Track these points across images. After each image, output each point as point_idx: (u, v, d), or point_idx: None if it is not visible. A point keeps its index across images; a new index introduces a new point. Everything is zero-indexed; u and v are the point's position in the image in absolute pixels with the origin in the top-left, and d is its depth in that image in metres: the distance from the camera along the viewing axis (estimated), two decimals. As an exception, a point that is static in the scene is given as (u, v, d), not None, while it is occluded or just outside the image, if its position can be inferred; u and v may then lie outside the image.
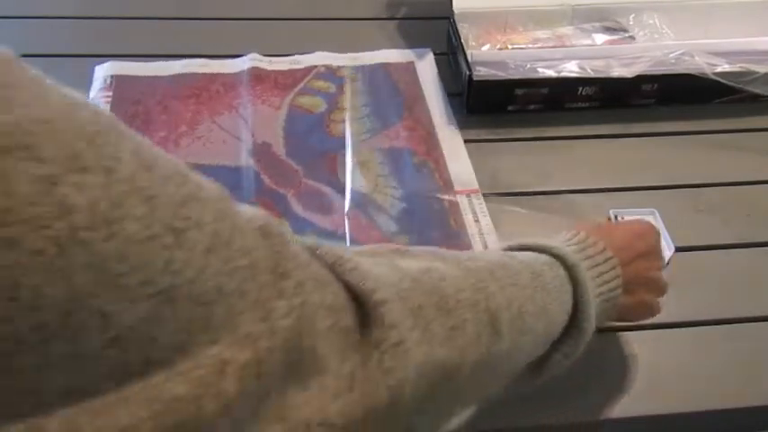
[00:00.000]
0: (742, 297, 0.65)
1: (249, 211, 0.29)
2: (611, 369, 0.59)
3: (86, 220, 0.21)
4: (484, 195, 0.73)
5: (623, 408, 0.57)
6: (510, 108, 0.81)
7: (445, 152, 0.77)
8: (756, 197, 0.75)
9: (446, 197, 0.72)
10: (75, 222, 0.20)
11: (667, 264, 0.67)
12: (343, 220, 0.69)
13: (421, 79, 0.87)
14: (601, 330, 0.61)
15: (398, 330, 0.31)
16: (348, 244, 0.67)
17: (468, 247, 0.67)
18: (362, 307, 0.31)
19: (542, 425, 0.56)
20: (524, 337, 0.43)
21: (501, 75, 0.79)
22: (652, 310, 0.56)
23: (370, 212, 0.70)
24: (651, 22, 0.89)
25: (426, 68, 0.88)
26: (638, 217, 0.65)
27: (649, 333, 0.62)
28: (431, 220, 0.70)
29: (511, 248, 0.51)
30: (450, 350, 0.35)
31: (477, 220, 0.70)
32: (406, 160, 0.76)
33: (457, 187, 0.73)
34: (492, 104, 0.82)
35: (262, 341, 0.25)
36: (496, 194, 0.73)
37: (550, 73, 0.79)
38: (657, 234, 0.57)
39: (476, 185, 0.73)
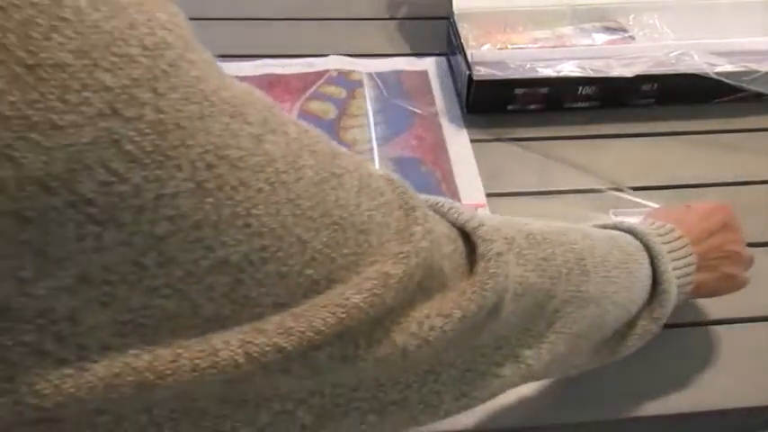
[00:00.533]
0: (742, 297, 0.65)
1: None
2: (610, 369, 0.59)
3: (283, 166, 0.27)
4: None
5: (624, 408, 0.57)
6: (510, 108, 0.81)
7: (453, 164, 0.76)
8: (756, 197, 0.75)
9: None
10: (277, 168, 0.26)
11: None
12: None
13: (434, 89, 0.86)
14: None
15: (498, 244, 0.36)
16: None
17: None
18: (465, 237, 0.36)
19: (544, 425, 0.56)
20: (610, 286, 0.44)
21: (501, 75, 0.79)
22: (737, 282, 0.57)
23: None
24: (651, 22, 0.89)
25: (440, 78, 0.88)
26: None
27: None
28: None
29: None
30: (541, 277, 0.39)
31: None
32: (415, 169, 0.75)
33: (464, 200, 0.72)
34: (492, 104, 0.81)
35: (410, 258, 0.30)
36: (496, 195, 0.73)
37: (550, 73, 0.79)
38: (729, 210, 0.58)
39: (483, 200, 0.72)
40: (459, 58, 0.82)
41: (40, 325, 0.22)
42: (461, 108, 0.83)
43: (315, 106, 0.82)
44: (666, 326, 0.62)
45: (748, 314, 0.64)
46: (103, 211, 0.21)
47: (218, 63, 0.26)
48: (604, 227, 0.51)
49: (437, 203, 0.38)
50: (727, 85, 0.80)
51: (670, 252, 0.51)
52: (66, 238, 0.21)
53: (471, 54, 0.80)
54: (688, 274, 0.52)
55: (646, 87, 0.81)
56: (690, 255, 0.52)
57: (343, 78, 0.86)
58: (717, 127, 0.82)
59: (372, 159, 0.76)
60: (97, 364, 0.23)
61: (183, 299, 0.24)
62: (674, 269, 0.51)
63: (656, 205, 0.72)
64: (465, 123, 0.81)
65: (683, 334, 0.62)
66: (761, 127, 0.83)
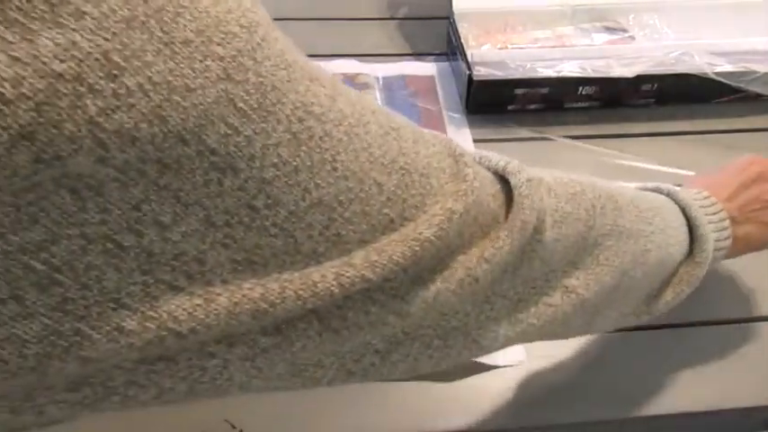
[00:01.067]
0: (741, 297, 0.65)
1: None
2: (610, 369, 0.59)
3: (354, 121, 0.31)
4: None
5: (623, 408, 0.57)
6: (510, 108, 0.81)
7: None
8: (756, 197, 0.75)
9: None
10: (350, 122, 0.31)
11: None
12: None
13: (440, 95, 0.85)
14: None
15: (526, 173, 0.39)
16: None
17: None
18: (501, 179, 0.39)
19: (544, 425, 0.56)
20: (645, 225, 0.47)
21: (501, 75, 0.79)
22: None
23: None
24: (651, 22, 0.89)
25: (444, 81, 0.87)
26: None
27: (649, 333, 0.62)
28: None
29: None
30: (576, 209, 0.41)
31: None
32: None
33: None
34: (492, 104, 0.82)
35: (468, 196, 0.34)
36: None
37: (550, 73, 0.79)
38: (764, 161, 0.59)
39: None
40: (460, 58, 0.82)
41: (174, 266, 0.26)
42: (463, 108, 0.83)
43: None
44: (666, 326, 0.62)
45: (748, 314, 0.64)
46: (224, 160, 0.25)
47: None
48: (642, 188, 0.53)
49: (473, 154, 0.40)
50: (727, 85, 0.80)
51: (701, 207, 0.53)
52: (196, 183, 0.25)
53: (471, 54, 0.80)
54: (724, 228, 0.54)
55: (646, 87, 0.81)
56: (721, 211, 0.54)
57: (349, 82, 0.86)
58: (717, 127, 0.83)
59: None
60: (221, 297, 0.27)
61: (288, 237, 0.28)
62: (709, 222, 0.52)
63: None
64: (467, 124, 0.81)
65: (683, 334, 0.62)
66: (761, 127, 0.83)
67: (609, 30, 0.89)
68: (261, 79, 0.27)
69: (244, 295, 0.27)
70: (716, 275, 0.67)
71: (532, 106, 0.81)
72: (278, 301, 0.28)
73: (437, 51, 0.91)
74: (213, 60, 0.25)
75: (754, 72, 0.80)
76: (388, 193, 0.31)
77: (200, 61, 0.24)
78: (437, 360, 0.37)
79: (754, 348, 0.62)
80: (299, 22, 0.96)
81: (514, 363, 0.59)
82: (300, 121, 0.28)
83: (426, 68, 0.89)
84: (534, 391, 0.58)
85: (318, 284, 0.29)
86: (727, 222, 0.54)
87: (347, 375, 0.34)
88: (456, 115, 0.82)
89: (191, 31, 0.24)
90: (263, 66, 0.27)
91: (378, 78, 0.87)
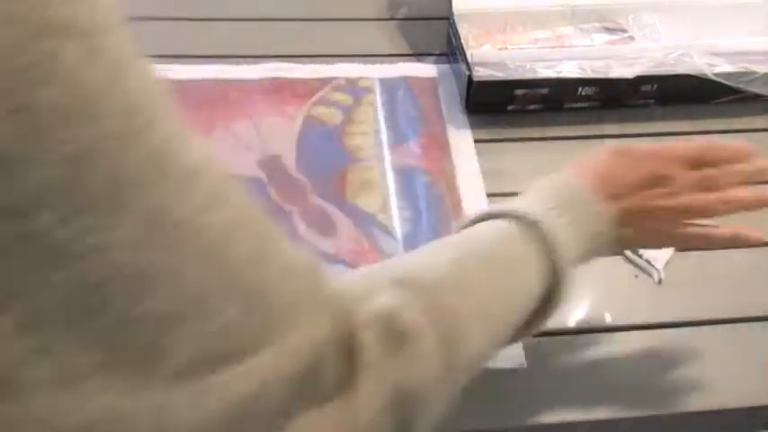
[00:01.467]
0: (742, 297, 0.65)
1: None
2: (610, 369, 0.59)
3: (221, 237, 0.28)
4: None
5: (623, 408, 0.57)
6: (510, 108, 0.81)
7: (458, 174, 0.75)
8: (756, 197, 0.75)
9: (455, 222, 0.70)
10: (213, 238, 0.28)
11: (666, 264, 0.67)
12: (344, 245, 0.68)
13: (442, 97, 0.85)
14: (604, 330, 0.62)
15: (373, 350, 0.35)
16: (348, 269, 0.66)
17: None
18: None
19: (545, 424, 0.56)
20: (495, 328, 0.44)
21: (501, 75, 0.79)
22: (676, 237, 0.55)
23: (374, 233, 0.69)
24: (651, 22, 0.89)
25: (445, 82, 0.87)
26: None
27: (649, 333, 0.62)
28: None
29: (474, 221, 0.50)
30: (412, 378, 0.37)
31: None
32: (418, 180, 0.74)
33: (467, 211, 0.71)
34: (492, 104, 0.81)
35: (301, 358, 0.31)
36: (497, 195, 0.73)
37: (550, 73, 0.79)
38: (662, 157, 0.54)
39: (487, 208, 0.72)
40: (460, 58, 0.82)
41: None
42: (463, 109, 0.83)
43: (321, 112, 0.82)
44: (667, 326, 0.62)
45: (748, 314, 0.64)
46: (52, 249, 0.23)
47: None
48: (491, 215, 0.49)
49: (342, 289, 0.37)
50: (727, 85, 0.80)
51: (571, 223, 0.48)
52: (19, 270, 0.22)
53: (471, 54, 0.80)
54: (599, 234, 0.50)
55: (646, 88, 0.81)
56: (596, 212, 0.50)
57: (350, 86, 0.86)
58: (717, 127, 0.83)
59: (379, 167, 0.76)
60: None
61: (110, 345, 0.25)
62: (575, 237, 0.48)
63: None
64: (467, 124, 0.81)
65: (683, 334, 0.62)
66: (761, 127, 0.83)
67: (608, 30, 0.89)
68: (119, 172, 0.24)
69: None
70: (710, 275, 0.67)
71: (532, 107, 0.81)
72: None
73: (437, 52, 0.91)
74: (68, 138, 0.22)
75: (754, 72, 0.80)
76: (229, 321, 0.28)
77: (53, 136, 0.22)
78: None
79: (755, 348, 0.61)
80: (300, 22, 0.96)
81: (515, 365, 0.59)
82: (155, 224, 0.25)
83: (426, 69, 0.89)
84: (534, 390, 0.58)
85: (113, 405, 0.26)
86: (603, 227, 0.50)
87: None
88: (456, 116, 0.82)
89: (54, 99, 0.21)
90: (129, 156, 0.24)
91: (379, 81, 0.87)
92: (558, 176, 0.53)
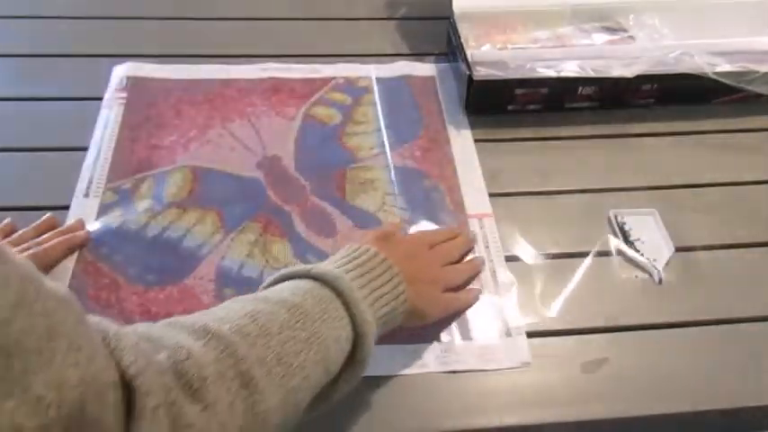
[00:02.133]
0: (742, 297, 0.65)
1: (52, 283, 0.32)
2: (609, 369, 0.59)
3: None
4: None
5: (623, 408, 0.57)
6: (510, 108, 0.81)
7: (459, 175, 0.75)
8: (756, 197, 0.75)
9: (456, 222, 0.70)
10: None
11: (666, 264, 0.67)
12: (344, 245, 0.68)
13: (442, 97, 0.85)
14: (604, 330, 0.62)
15: (155, 396, 0.34)
16: None
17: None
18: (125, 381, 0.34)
19: (545, 424, 0.56)
20: (294, 378, 0.43)
21: (501, 74, 0.79)
22: (440, 304, 0.60)
23: None
24: (651, 22, 0.89)
25: (445, 81, 0.87)
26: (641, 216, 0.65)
27: (650, 333, 0.62)
28: None
29: (273, 282, 0.51)
30: (207, 423, 0.37)
31: (487, 246, 0.68)
32: (418, 180, 0.74)
33: (469, 211, 0.71)
34: (492, 104, 0.82)
35: (51, 409, 0.28)
36: (497, 195, 0.73)
37: (550, 73, 0.79)
38: (418, 238, 0.64)
39: (489, 209, 0.72)
40: (459, 58, 0.82)
41: None
42: (463, 109, 0.83)
43: (320, 112, 0.82)
44: (667, 326, 0.62)
45: (748, 314, 0.64)
46: None
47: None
48: (291, 276, 0.50)
49: (105, 336, 0.35)
50: (727, 85, 0.80)
51: (370, 282, 0.51)
52: None
53: (471, 54, 0.80)
54: (398, 304, 0.53)
55: (646, 87, 0.81)
56: (399, 285, 0.54)
57: (349, 86, 0.86)
58: (717, 127, 0.83)
59: (379, 167, 0.76)
60: None
61: None
62: (375, 299, 0.51)
63: (656, 206, 0.72)
64: (467, 124, 0.81)
65: (682, 334, 0.62)
66: (761, 127, 0.83)
67: (609, 30, 0.89)
68: None
69: None
70: (710, 275, 0.67)
71: (532, 106, 0.81)
72: None
73: (437, 51, 0.91)
74: None
75: (754, 72, 0.80)
76: None
77: None
78: None
79: (755, 348, 0.61)
80: (300, 21, 0.96)
81: (520, 365, 0.59)
82: None
83: (426, 69, 0.89)
84: (536, 390, 0.58)
85: None
86: (399, 280, 0.54)
87: None
88: (456, 116, 0.82)
89: None
90: None
91: (377, 80, 0.87)
92: (350, 245, 0.56)
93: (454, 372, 0.58)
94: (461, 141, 0.79)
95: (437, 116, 0.82)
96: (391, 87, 0.86)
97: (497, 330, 0.61)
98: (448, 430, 0.56)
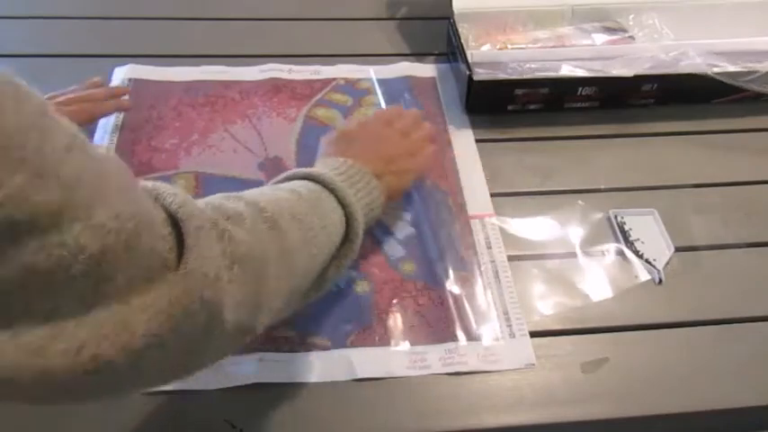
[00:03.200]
0: (742, 297, 0.65)
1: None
2: (609, 369, 0.59)
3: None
4: (484, 196, 0.73)
5: (623, 408, 0.57)
6: (510, 108, 0.81)
7: (461, 175, 0.75)
8: (756, 197, 0.75)
9: (458, 223, 0.70)
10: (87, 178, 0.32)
11: (666, 264, 0.67)
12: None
13: (442, 97, 0.85)
14: (604, 330, 0.62)
15: (198, 218, 0.38)
16: (351, 272, 0.65)
17: (478, 277, 0.65)
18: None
19: (544, 424, 0.57)
20: (307, 232, 0.50)
21: (501, 75, 0.79)
22: (415, 169, 0.68)
23: (376, 234, 0.69)
24: (651, 22, 0.89)
25: (445, 82, 0.87)
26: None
27: (650, 333, 0.62)
28: (439, 248, 0.68)
29: (282, 180, 0.58)
30: (251, 242, 0.42)
31: (489, 247, 0.68)
32: (420, 182, 0.74)
33: (471, 211, 0.71)
34: (492, 104, 0.82)
35: (111, 235, 0.32)
36: (497, 195, 0.73)
37: (550, 73, 0.79)
38: (380, 118, 0.70)
39: (491, 209, 0.72)
40: (459, 58, 0.82)
41: None
42: (463, 109, 0.83)
43: (320, 113, 0.82)
44: (667, 326, 0.63)
45: (748, 314, 0.64)
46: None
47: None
48: (287, 178, 0.57)
49: (154, 189, 0.40)
50: (727, 85, 0.80)
51: (348, 180, 0.59)
52: None
53: (471, 54, 0.80)
54: (373, 191, 0.60)
55: (646, 87, 0.82)
56: (367, 174, 0.61)
57: (350, 87, 0.86)
58: (717, 127, 0.83)
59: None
60: None
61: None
62: (357, 193, 0.59)
63: (656, 206, 0.72)
64: (468, 124, 0.81)
65: (682, 334, 0.62)
66: (761, 127, 0.83)
67: (609, 30, 0.89)
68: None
69: None
70: (710, 275, 0.67)
71: (532, 106, 0.81)
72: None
73: (437, 51, 0.91)
74: None
75: (754, 72, 0.80)
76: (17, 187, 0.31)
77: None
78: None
79: (755, 348, 0.62)
80: (300, 22, 0.96)
81: (524, 366, 0.59)
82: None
83: (426, 69, 0.89)
84: (536, 390, 0.58)
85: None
86: (374, 183, 0.61)
87: None
88: (457, 116, 0.82)
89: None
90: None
91: (378, 81, 0.87)
92: (330, 159, 0.63)
93: (457, 373, 0.59)
94: (462, 142, 0.79)
95: (438, 116, 0.82)
96: (392, 88, 0.86)
97: (501, 331, 0.61)
98: (448, 430, 0.56)
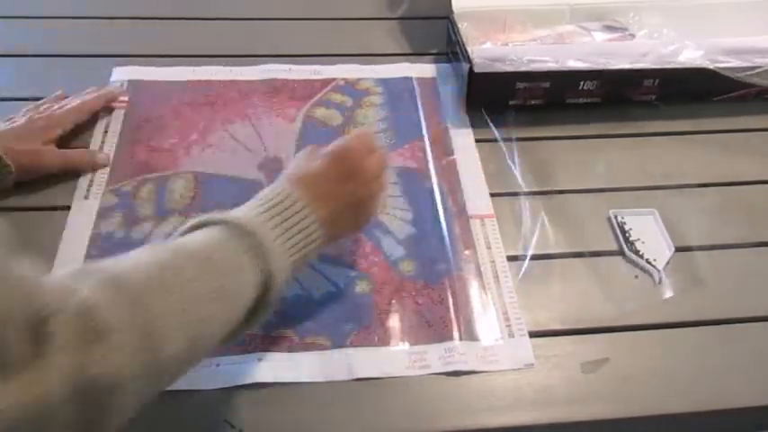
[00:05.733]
0: (742, 297, 0.65)
1: None
2: (609, 369, 0.59)
3: None
4: (484, 195, 0.73)
5: (623, 408, 0.57)
6: (511, 103, 0.81)
7: (461, 175, 0.75)
8: (756, 197, 0.75)
9: (458, 223, 0.70)
10: None
11: (666, 264, 0.67)
12: (346, 247, 0.67)
13: (442, 97, 0.85)
14: (604, 330, 0.62)
15: (61, 338, 0.36)
16: (351, 272, 0.66)
17: (477, 277, 0.65)
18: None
19: (544, 424, 0.57)
20: (200, 325, 0.45)
21: (502, 67, 0.78)
22: (366, 219, 0.61)
23: (376, 235, 0.69)
24: (651, 21, 0.88)
25: (446, 82, 0.87)
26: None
27: (650, 333, 0.62)
28: (439, 248, 0.68)
29: (190, 228, 0.51)
30: (103, 369, 0.38)
31: (488, 247, 0.68)
32: (420, 183, 0.74)
33: (471, 212, 0.71)
34: (493, 99, 0.81)
35: None
36: (497, 194, 0.73)
37: (551, 65, 0.78)
38: (345, 154, 0.59)
39: (491, 210, 0.72)
40: (460, 55, 0.82)
41: None
42: (464, 109, 0.83)
43: (320, 113, 0.82)
44: (667, 326, 0.63)
45: (748, 314, 0.64)
46: None
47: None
48: (207, 223, 0.50)
49: (44, 281, 0.38)
50: (729, 79, 0.79)
51: (286, 231, 0.52)
52: None
53: (472, 50, 0.80)
54: (310, 244, 0.54)
55: (647, 83, 0.81)
56: (312, 224, 0.54)
57: (350, 87, 0.86)
58: (717, 127, 0.83)
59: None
60: None
61: None
62: (290, 248, 0.52)
63: (656, 206, 0.72)
64: (468, 124, 0.81)
65: (682, 334, 0.62)
66: (761, 127, 0.83)
67: (609, 28, 0.89)
68: None
69: None
70: (710, 275, 0.67)
71: (533, 101, 0.81)
72: None
73: (437, 51, 0.91)
74: None
75: (757, 66, 0.80)
76: None
77: None
78: None
79: (755, 348, 0.61)
80: (300, 22, 0.96)
81: (523, 366, 0.59)
82: None
83: (427, 69, 0.89)
84: (536, 390, 0.58)
85: None
86: (316, 233, 0.54)
87: None
88: (457, 116, 0.82)
89: None
90: None
91: (378, 82, 0.86)
92: (273, 185, 0.56)
93: (457, 373, 0.59)
94: (462, 141, 0.79)
95: (438, 117, 0.82)
96: (392, 88, 0.86)
97: (500, 331, 0.61)
98: (447, 430, 0.56)
